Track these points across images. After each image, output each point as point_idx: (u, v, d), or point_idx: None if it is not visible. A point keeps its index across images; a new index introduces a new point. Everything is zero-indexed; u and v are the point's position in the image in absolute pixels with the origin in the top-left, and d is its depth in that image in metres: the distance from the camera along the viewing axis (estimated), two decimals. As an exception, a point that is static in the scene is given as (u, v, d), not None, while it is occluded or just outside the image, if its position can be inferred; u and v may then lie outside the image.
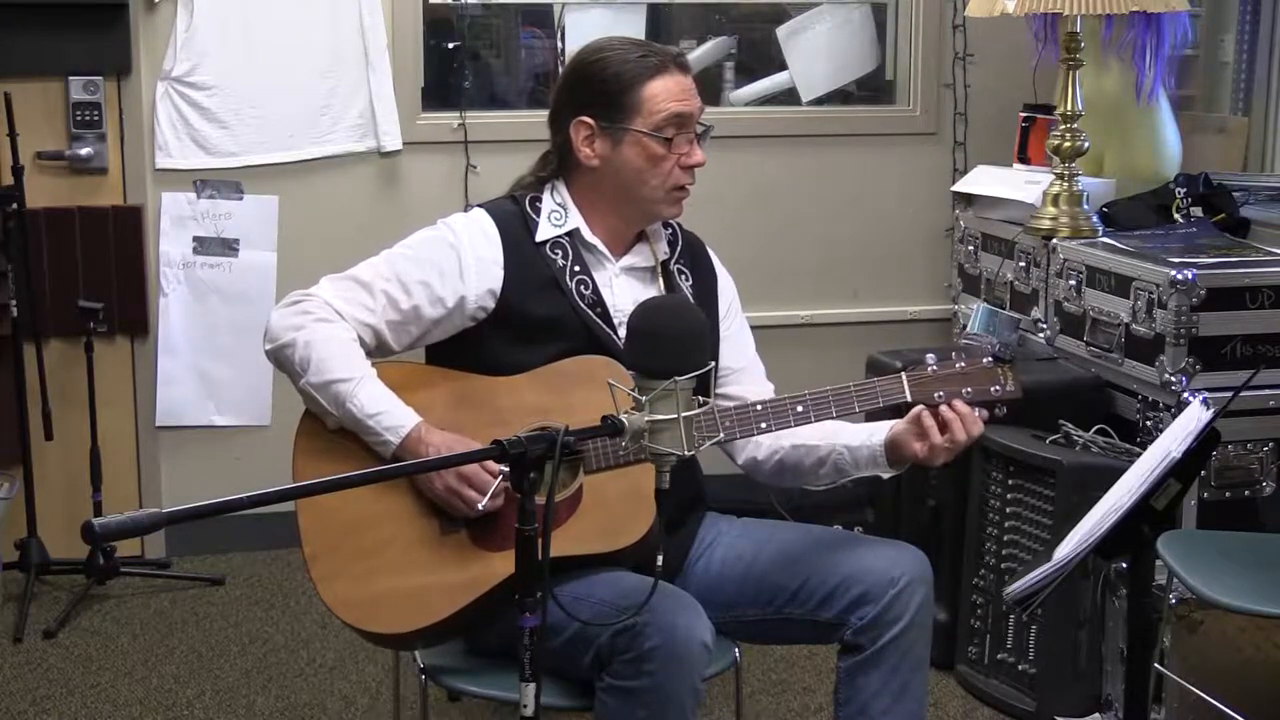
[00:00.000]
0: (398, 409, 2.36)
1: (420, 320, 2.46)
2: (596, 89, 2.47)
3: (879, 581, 2.42)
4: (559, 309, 2.46)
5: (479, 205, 2.57)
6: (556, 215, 2.52)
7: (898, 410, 2.44)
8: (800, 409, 2.39)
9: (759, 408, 2.39)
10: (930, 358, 2.44)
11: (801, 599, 2.46)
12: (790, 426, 2.40)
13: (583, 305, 2.47)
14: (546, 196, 2.53)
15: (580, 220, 2.52)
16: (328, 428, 2.42)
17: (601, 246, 2.53)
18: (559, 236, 2.51)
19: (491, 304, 2.46)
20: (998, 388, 2.42)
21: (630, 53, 2.47)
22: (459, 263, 2.45)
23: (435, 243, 2.49)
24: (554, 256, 2.49)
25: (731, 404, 2.43)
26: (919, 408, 2.39)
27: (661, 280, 2.57)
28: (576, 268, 2.49)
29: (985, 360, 2.43)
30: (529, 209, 2.52)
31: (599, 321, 2.47)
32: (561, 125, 2.51)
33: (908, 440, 2.40)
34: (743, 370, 2.64)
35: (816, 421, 2.40)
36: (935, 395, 2.39)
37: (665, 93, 2.45)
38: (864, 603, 2.42)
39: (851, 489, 4.04)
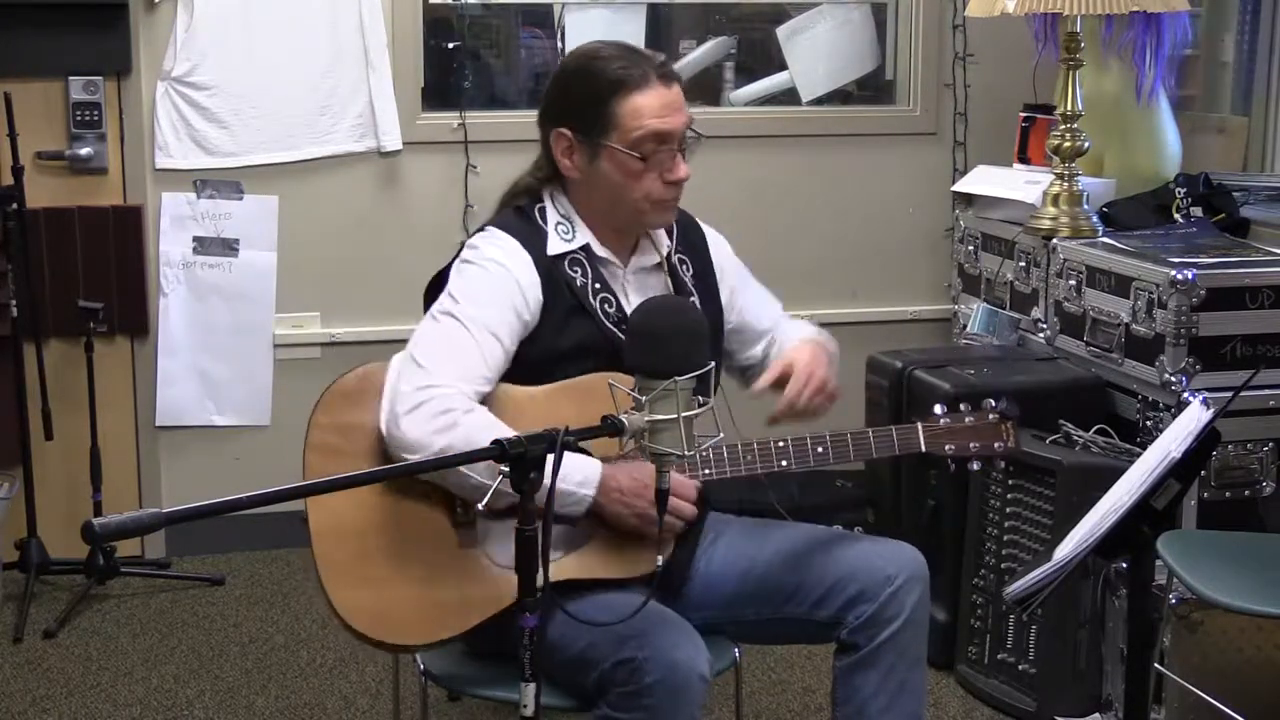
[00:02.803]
0: (574, 460, 2.29)
1: (509, 355, 2.40)
2: (574, 100, 2.43)
3: (875, 579, 2.43)
4: (587, 332, 2.41)
5: (498, 227, 2.47)
6: (563, 228, 2.47)
7: (927, 468, 2.53)
8: (821, 450, 2.44)
9: (780, 444, 2.42)
10: (939, 409, 2.53)
11: (799, 598, 2.47)
12: (810, 466, 2.44)
13: (609, 324, 2.44)
14: (549, 206, 2.49)
15: (589, 234, 2.48)
16: (349, 434, 2.37)
17: (611, 256, 2.50)
18: (574, 253, 2.46)
19: (533, 325, 2.43)
20: (1000, 444, 2.54)
21: (612, 63, 2.40)
22: (522, 295, 2.40)
23: (496, 283, 2.40)
24: (574, 274, 2.45)
25: (754, 441, 2.42)
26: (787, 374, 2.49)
27: (667, 275, 2.54)
28: (597, 285, 2.45)
29: (991, 417, 2.55)
30: (539, 221, 2.47)
31: (623, 337, 2.44)
32: (545, 131, 2.48)
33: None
34: (775, 327, 2.65)
35: (835, 463, 2.45)
36: (945, 447, 2.51)
37: (646, 109, 2.38)
38: (860, 601, 2.43)
39: (851, 489, 4.08)
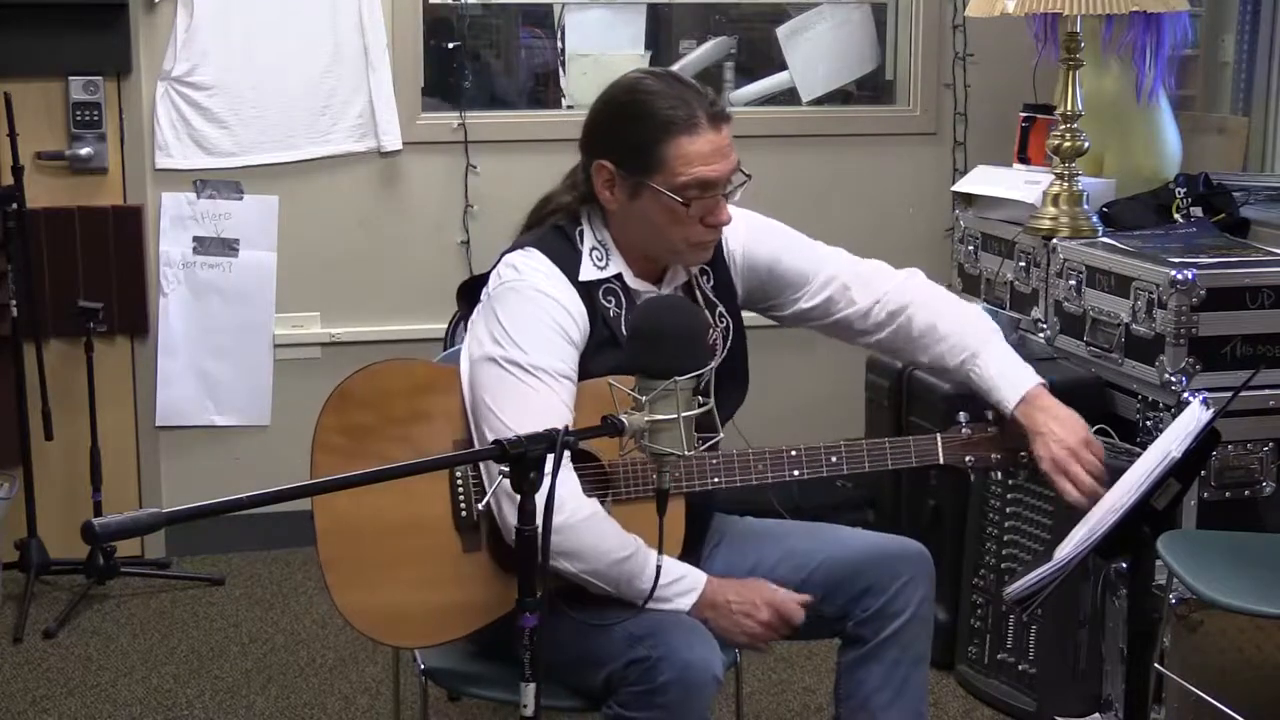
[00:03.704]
0: (677, 569, 2.32)
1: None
2: (621, 135, 2.35)
3: (883, 574, 2.43)
4: (617, 363, 2.32)
5: (537, 247, 2.39)
6: (598, 254, 2.41)
7: (928, 468, 2.46)
8: (834, 459, 2.40)
9: (793, 454, 2.39)
10: (963, 417, 2.47)
11: (805, 593, 2.46)
12: (822, 475, 2.40)
13: None
14: (587, 229, 2.42)
15: (623, 264, 2.42)
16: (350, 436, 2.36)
17: (644, 286, 2.44)
18: (608, 281, 2.40)
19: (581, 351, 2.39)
20: (1026, 454, 2.46)
21: (663, 100, 2.31)
22: (575, 325, 2.35)
23: (550, 318, 2.33)
24: (608, 304, 2.39)
25: (766, 450, 2.39)
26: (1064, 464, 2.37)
27: (697, 292, 2.49)
28: (630, 317, 2.39)
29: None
30: (578, 243, 2.41)
31: None
32: (585, 159, 2.41)
33: (1046, 463, 2.39)
34: (827, 277, 2.56)
35: (849, 472, 2.41)
36: (965, 459, 2.45)
37: (695, 155, 2.30)
38: (867, 595, 2.43)
39: (851, 489, 4.08)
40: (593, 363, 2.36)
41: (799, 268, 2.58)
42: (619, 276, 2.42)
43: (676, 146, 2.30)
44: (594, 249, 2.42)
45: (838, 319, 2.58)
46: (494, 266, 2.44)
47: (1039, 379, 2.48)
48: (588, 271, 2.39)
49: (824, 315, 2.59)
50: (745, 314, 2.61)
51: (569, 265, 2.38)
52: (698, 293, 2.50)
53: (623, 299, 2.41)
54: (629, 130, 2.34)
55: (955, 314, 2.56)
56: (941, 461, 2.44)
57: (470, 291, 2.50)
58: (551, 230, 2.43)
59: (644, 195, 2.34)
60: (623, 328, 2.39)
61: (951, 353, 2.51)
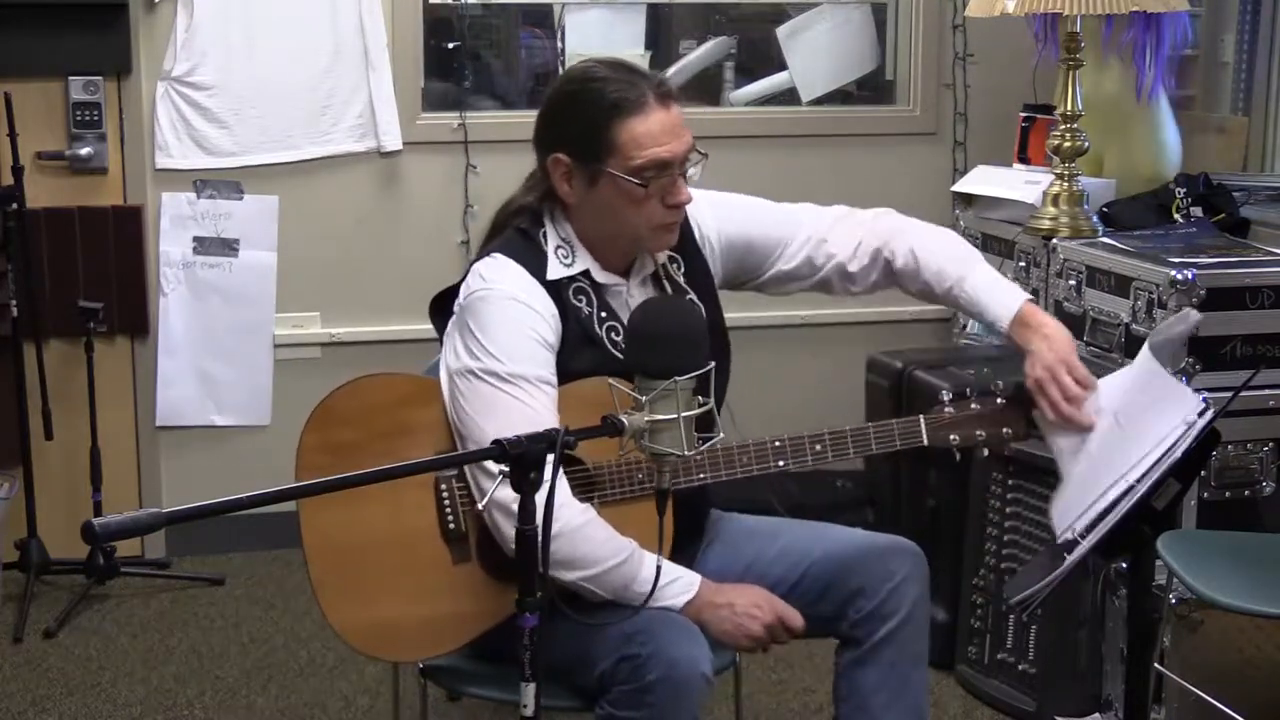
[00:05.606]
0: (673, 570, 2.33)
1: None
2: (571, 126, 2.35)
3: (875, 574, 2.43)
4: (595, 362, 2.34)
5: (503, 253, 2.39)
6: (563, 251, 2.41)
7: (916, 452, 2.45)
8: (819, 448, 2.39)
9: (776, 444, 2.38)
10: (945, 395, 2.46)
11: (799, 593, 2.46)
12: (808, 465, 2.39)
13: (616, 353, 2.37)
14: (550, 228, 2.42)
15: (589, 259, 2.41)
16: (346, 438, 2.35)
17: (612, 279, 2.44)
18: (576, 279, 2.40)
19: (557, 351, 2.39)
20: (1009, 430, 2.46)
21: (609, 85, 2.32)
22: (548, 326, 2.35)
23: (523, 325, 2.33)
24: (579, 303, 2.39)
25: (750, 442, 2.39)
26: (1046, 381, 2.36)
27: (665, 280, 2.49)
28: (603, 314, 2.40)
29: (999, 402, 2.46)
30: (541, 243, 2.40)
31: None
32: (541, 156, 2.41)
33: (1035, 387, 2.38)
34: (805, 237, 2.56)
35: (834, 460, 2.40)
36: (950, 438, 2.43)
37: (646, 135, 2.30)
38: (860, 596, 2.43)
39: (851, 489, 4.08)
40: (570, 363, 2.36)
41: (774, 234, 2.59)
42: (586, 273, 2.41)
43: (627, 129, 2.31)
44: (559, 247, 2.41)
45: (823, 275, 2.60)
46: (463, 278, 2.44)
47: (1026, 296, 2.49)
48: (555, 270, 2.39)
49: (809, 274, 2.60)
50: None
51: (535, 266, 2.38)
52: (665, 282, 2.49)
53: (593, 297, 2.41)
54: (580, 118, 2.35)
55: (934, 242, 2.58)
56: (926, 443, 2.42)
57: (441, 305, 2.50)
58: (515, 233, 2.43)
59: (601, 182, 2.34)
60: (595, 326, 2.39)
61: (937, 279, 2.53)
